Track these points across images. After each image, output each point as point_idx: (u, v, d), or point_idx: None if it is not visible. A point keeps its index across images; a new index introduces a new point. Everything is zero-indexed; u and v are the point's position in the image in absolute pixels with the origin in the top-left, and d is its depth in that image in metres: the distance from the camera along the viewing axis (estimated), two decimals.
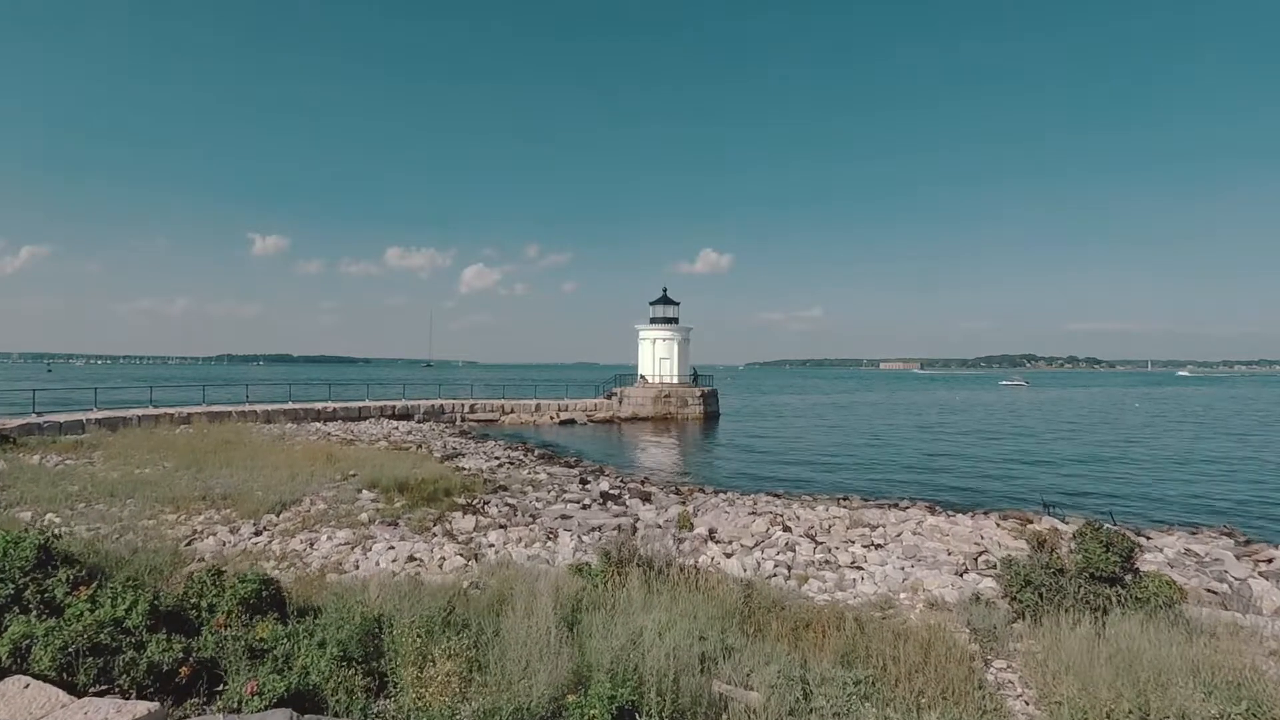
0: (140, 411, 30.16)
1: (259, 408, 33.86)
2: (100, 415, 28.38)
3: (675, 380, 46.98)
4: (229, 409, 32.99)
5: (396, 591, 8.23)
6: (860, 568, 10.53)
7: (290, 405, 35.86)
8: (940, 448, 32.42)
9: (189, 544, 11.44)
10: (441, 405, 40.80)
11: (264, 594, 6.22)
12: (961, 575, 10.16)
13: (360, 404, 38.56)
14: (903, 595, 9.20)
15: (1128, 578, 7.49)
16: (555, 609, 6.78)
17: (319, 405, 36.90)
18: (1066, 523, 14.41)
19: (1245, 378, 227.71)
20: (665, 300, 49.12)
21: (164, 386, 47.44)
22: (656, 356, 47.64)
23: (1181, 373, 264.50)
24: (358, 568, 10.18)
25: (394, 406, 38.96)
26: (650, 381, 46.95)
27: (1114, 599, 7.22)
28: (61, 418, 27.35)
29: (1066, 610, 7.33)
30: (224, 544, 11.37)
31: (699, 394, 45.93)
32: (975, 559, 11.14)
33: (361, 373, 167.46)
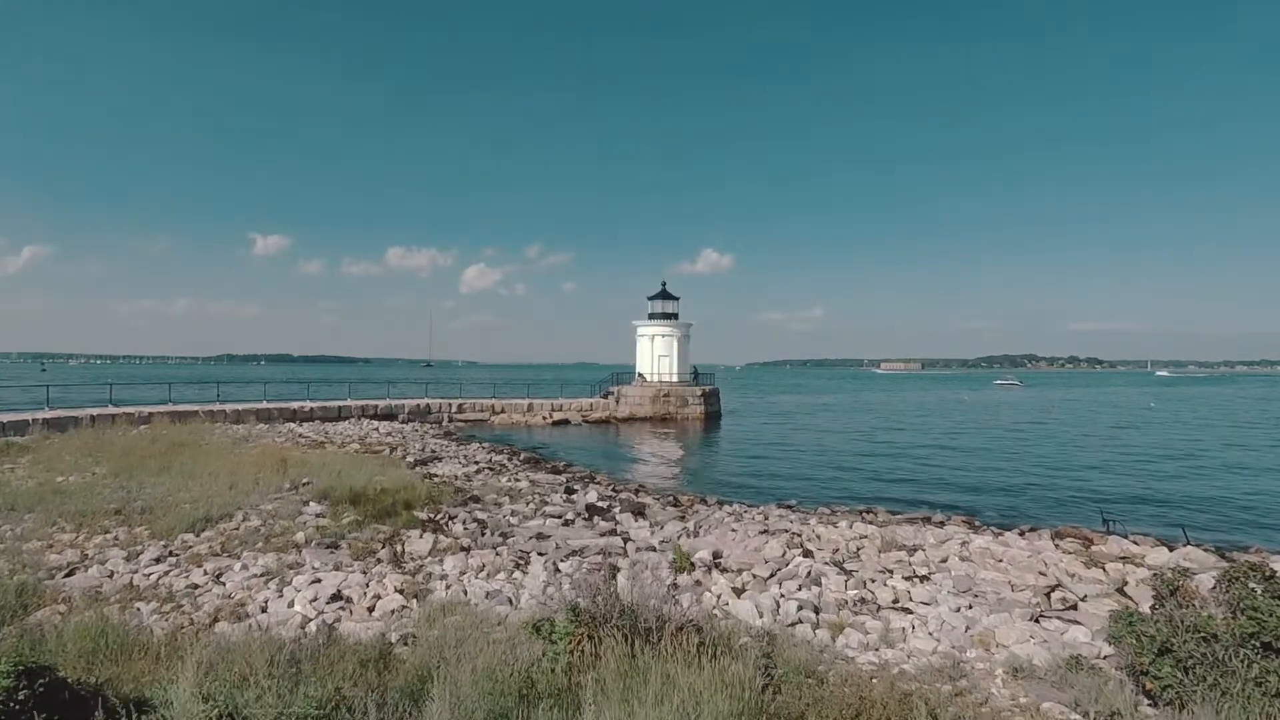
0: (95, 411, 27.94)
1: (228, 407, 31.62)
2: (50, 415, 26.20)
3: (675, 379, 44.74)
4: (195, 408, 30.78)
5: (291, 653, 6.05)
6: (907, 610, 8.30)
7: (264, 405, 33.64)
8: (949, 450, 30.19)
9: (69, 574, 9.23)
10: (428, 405, 38.56)
11: (23, 693, 4.00)
12: (1037, 620, 7.93)
13: (340, 403, 36.31)
14: (971, 653, 6.97)
15: None
16: (487, 706, 4.57)
17: (295, 405, 34.67)
18: (1136, 543, 12.18)
19: (1243, 377, 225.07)
20: (664, 295, 46.85)
21: (136, 386, 45.30)
22: (655, 354, 45.39)
23: (1160, 373, 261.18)
24: (265, 610, 7.95)
25: (376, 406, 36.74)
26: (649, 380, 44.71)
27: None
28: (6, 418, 25.15)
29: (1231, 695, 5.12)
30: (111, 574, 9.14)
31: (699, 393, 43.67)
32: (1047, 595, 8.91)
33: (361, 372, 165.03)
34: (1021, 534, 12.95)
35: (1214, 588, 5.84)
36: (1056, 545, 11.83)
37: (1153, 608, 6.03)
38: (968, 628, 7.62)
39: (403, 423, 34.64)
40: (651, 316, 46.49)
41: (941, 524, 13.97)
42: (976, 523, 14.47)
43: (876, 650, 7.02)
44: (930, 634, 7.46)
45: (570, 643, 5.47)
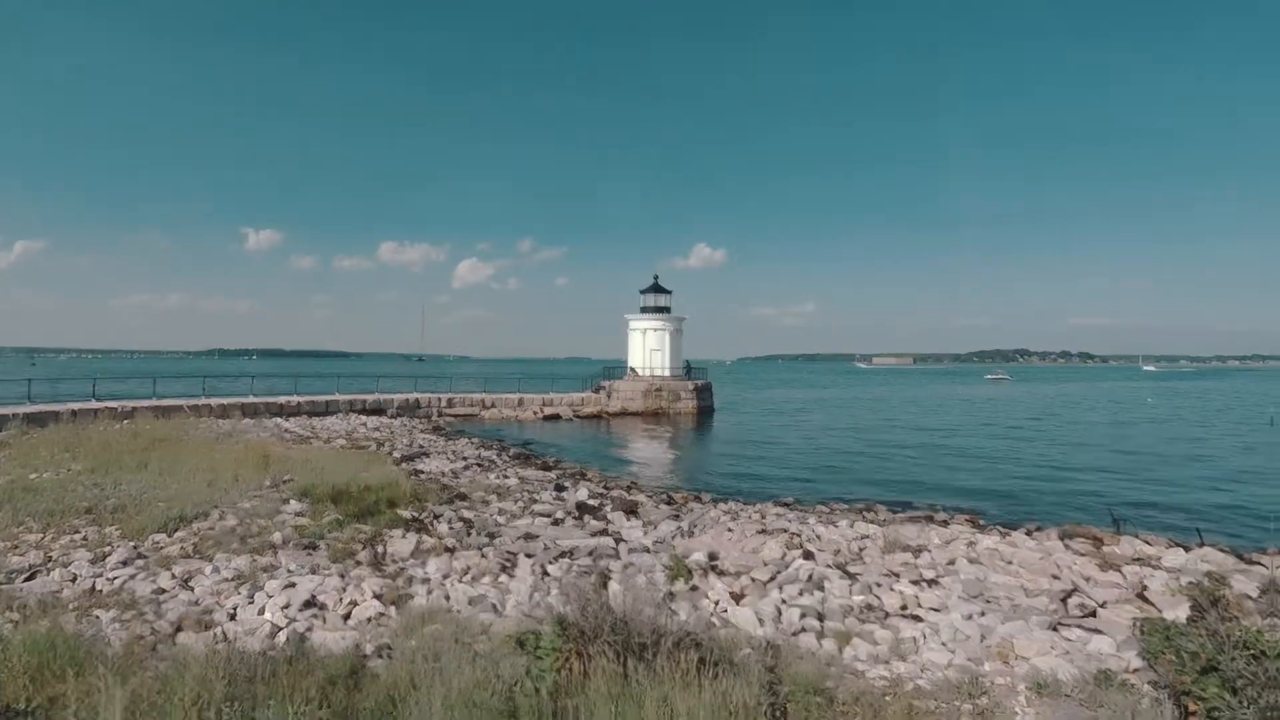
0: (77, 405, 27.25)
1: (214, 402, 30.97)
2: (30, 410, 25.49)
3: (667, 373, 44.23)
4: (180, 403, 30.11)
5: (252, 668, 5.54)
6: (917, 617, 7.84)
7: (250, 399, 32.98)
8: (944, 446, 29.84)
9: (29, 578, 8.68)
10: (417, 399, 37.98)
11: None
12: (1056, 629, 7.48)
13: (327, 398, 35.66)
14: (988, 666, 6.51)
15: None
16: None
17: (282, 399, 34.01)
18: (1149, 544, 11.78)
19: (1234, 371, 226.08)
20: (656, 288, 46.32)
21: (124, 380, 44.47)
22: (647, 348, 44.87)
23: (1147, 368, 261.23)
24: (233, 618, 7.43)
25: (364, 401, 36.12)
26: (640, 374, 44.19)
27: None
28: None
29: None
30: (74, 578, 8.59)
31: (692, 388, 43.20)
32: (1064, 600, 8.47)
33: (350, 366, 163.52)
34: (1029, 533, 12.53)
35: (1258, 598, 5.40)
36: (1067, 546, 11.41)
37: (1190, 619, 5.58)
38: (983, 637, 7.17)
39: (391, 418, 34.07)
40: (643, 310, 45.97)
41: (945, 523, 13.55)
42: (981, 521, 14.06)
43: (887, 663, 6.55)
44: (944, 644, 7.00)
45: (557, 660, 4.98)
